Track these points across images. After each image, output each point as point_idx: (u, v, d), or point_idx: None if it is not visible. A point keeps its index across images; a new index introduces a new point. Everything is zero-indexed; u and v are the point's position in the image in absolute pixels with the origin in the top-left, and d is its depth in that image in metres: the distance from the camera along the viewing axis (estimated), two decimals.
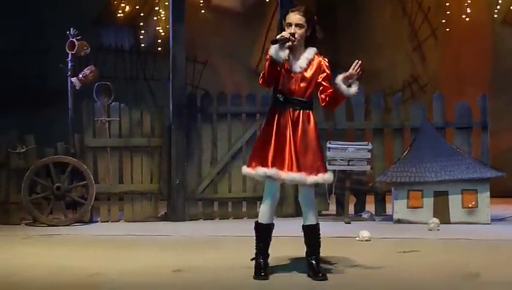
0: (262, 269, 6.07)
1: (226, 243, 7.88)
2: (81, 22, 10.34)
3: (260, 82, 6.04)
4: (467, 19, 12.17)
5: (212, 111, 9.76)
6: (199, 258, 6.99)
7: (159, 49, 12.22)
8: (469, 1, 12.10)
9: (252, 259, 6.17)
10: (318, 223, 6.14)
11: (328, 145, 9.41)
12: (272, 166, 5.94)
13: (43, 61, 11.80)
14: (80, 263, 6.80)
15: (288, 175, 5.95)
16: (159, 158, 9.63)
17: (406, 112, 9.93)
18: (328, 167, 9.25)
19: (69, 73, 9.31)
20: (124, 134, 9.60)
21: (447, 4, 12.24)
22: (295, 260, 6.59)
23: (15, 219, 9.27)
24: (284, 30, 5.96)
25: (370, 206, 9.81)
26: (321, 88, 6.08)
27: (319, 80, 6.06)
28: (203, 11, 12.31)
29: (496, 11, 12.10)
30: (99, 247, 7.67)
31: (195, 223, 9.49)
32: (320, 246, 6.14)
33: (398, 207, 9.10)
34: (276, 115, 6.01)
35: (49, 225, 9.04)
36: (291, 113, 5.99)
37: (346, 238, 8.01)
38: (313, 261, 6.07)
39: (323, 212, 9.81)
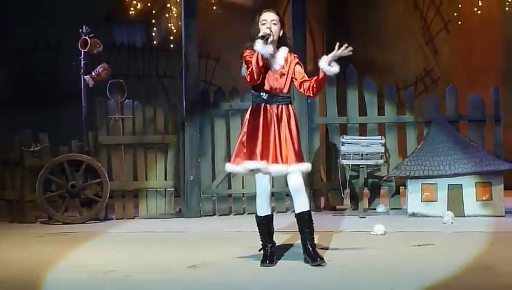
0: (268, 256, 6.38)
1: (240, 239, 7.89)
2: (93, 20, 10.38)
3: (248, 79, 6.36)
4: (479, 12, 12.14)
5: (225, 107, 9.78)
6: (214, 254, 7.01)
7: (171, 46, 12.24)
8: None
9: (260, 250, 6.49)
10: (309, 210, 6.40)
11: (342, 140, 9.43)
12: (261, 159, 6.27)
13: (55, 59, 11.85)
14: (95, 260, 6.83)
15: (274, 167, 6.27)
16: (173, 155, 9.66)
17: (419, 105, 9.91)
18: (342, 161, 9.33)
19: (82, 71, 9.35)
20: (137, 131, 9.63)
21: None
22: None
23: (30, 217, 9.32)
24: (259, 29, 6.32)
25: (384, 200, 9.80)
26: (301, 80, 6.42)
27: (297, 74, 6.42)
28: (214, 8, 12.32)
29: (507, 3, 12.05)
30: (114, 244, 7.70)
31: (210, 219, 9.51)
32: (313, 231, 6.40)
33: (412, 201, 9.09)
34: (261, 112, 6.35)
35: (64, 223, 9.08)
36: (275, 109, 6.36)
37: (361, 233, 8.01)
38: (309, 247, 6.31)
39: (338, 207, 9.82)
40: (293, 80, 6.44)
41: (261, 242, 6.50)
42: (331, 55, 6.27)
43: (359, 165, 9.40)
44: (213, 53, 12.47)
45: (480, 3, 12.06)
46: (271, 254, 6.41)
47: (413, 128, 9.83)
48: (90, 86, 9.35)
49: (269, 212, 6.47)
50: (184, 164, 9.59)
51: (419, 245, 7.18)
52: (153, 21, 12.47)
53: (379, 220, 8.65)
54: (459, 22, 12.31)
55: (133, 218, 9.51)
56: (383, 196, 9.87)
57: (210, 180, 9.71)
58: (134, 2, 12.38)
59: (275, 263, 6.37)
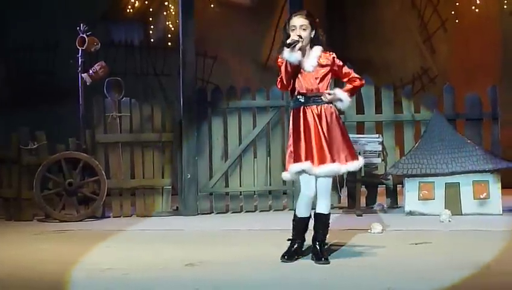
0: (291, 252, 6.39)
1: (237, 237, 7.90)
2: (91, 18, 10.37)
3: (279, 86, 6.45)
4: (476, 10, 12.14)
5: (223, 105, 9.78)
6: (211, 252, 7.01)
7: (169, 44, 12.23)
8: None
9: (289, 239, 6.48)
10: (329, 213, 6.46)
11: None
12: (306, 160, 6.26)
13: (53, 57, 11.83)
14: (92, 258, 6.84)
15: (320, 168, 6.26)
16: (170, 153, 9.66)
17: (416, 104, 9.92)
18: None
19: (80, 69, 9.34)
20: (135, 129, 9.63)
21: None
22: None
23: (27, 215, 9.32)
24: (288, 35, 6.33)
25: (381, 199, 9.81)
26: (344, 78, 6.52)
27: (338, 73, 6.50)
28: (212, 6, 12.32)
29: (505, 2, 12.06)
30: (111, 242, 7.70)
31: (207, 217, 9.51)
32: (327, 234, 6.47)
33: (409, 199, 9.10)
34: (301, 115, 6.36)
35: (61, 221, 9.08)
36: (315, 109, 6.36)
37: (358, 231, 8.01)
38: (317, 246, 6.37)
39: (335, 204, 9.82)
40: (337, 76, 6.52)
41: (292, 235, 6.47)
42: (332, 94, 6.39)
43: None
44: (210, 51, 12.47)
45: (477, 2, 12.07)
46: (295, 250, 6.41)
47: (410, 126, 9.83)
48: (88, 84, 9.35)
49: (308, 215, 6.45)
50: (181, 162, 9.59)
51: (416, 243, 7.18)
52: (151, 19, 12.47)
53: (376, 218, 8.67)
54: (457, 20, 12.32)
55: (130, 216, 9.51)
56: (380, 194, 9.87)
57: (207, 178, 9.71)
58: (132, 0, 12.37)
59: (295, 260, 6.37)
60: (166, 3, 12.41)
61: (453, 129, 9.41)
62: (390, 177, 9.63)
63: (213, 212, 9.70)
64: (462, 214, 8.93)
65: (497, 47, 12.12)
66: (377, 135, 9.57)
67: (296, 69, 6.33)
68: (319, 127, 6.31)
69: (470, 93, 9.80)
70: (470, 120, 9.69)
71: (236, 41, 12.40)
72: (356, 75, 6.53)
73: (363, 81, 6.63)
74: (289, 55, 6.24)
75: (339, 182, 9.49)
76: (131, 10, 12.39)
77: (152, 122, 9.66)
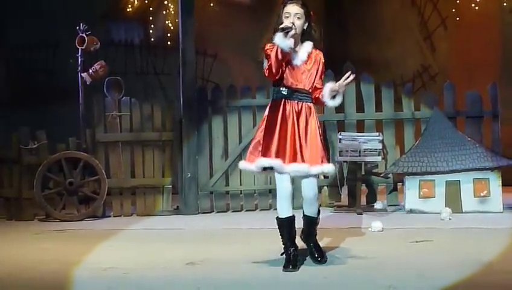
0: (292, 261, 6.07)
1: (238, 236, 7.89)
2: (91, 17, 10.36)
3: (266, 73, 6.04)
4: (476, 8, 12.14)
5: (223, 104, 9.77)
6: (212, 251, 7.01)
7: (169, 43, 12.22)
8: None
9: (282, 254, 6.17)
10: (318, 217, 6.27)
11: (339, 136, 9.43)
12: (276, 157, 5.97)
13: (52, 57, 11.83)
14: (93, 257, 6.83)
15: (291, 166, 5.98)
16: (171, 152, 9.66)
17: (416, 102, 9.91)
18: (339, 158, 9.33)
19: (79, 68, 9.34)
20: (135, 128, 9.63)
21: None
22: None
23: (28, 214, 9.32)
24: (282, 22, 6.00)
25: (382, 197, 9.81)
26: (315, 84, 6.18)
27: (315, 76, 6.14)
28: (211, 4, 12.32)
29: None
30: (112, 241, 7.70)
31: (208, 216, 9.51)
32: (316, 234, 6.32)
33: (410, 197, 9.10)
34: (280, 108, 6.05)
35: (62, 220, 9.08)
36: (295, 106, 6.06)
37: (358, 229, 8.01)
38: (312, 247, 6.26)
39: (336, 203, 9.82)
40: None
41: (283, 246, 6.14)
42: (337, 84, 6.08)
43: (356, 161, 9.39)
44: (210, 50, 12.46)
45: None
46: (294, 258, 6.07)
47: (410, 124, 9.83)
48: (88, 83, 9.34)
49: (290, 214, 6.10)
50: (181, 161, 9.58)
51: (417, 242, 7.18)
52: (150, 18, 12.46)
53: (377, 216, 8.66)
54: (457, 18, 12.32)
55: (130, 215, 9.51)
56: (380, 192, 9.87)
57: (207, 177, 9.71)
58: (132, 0, 12.37)
59: (298, 267, 6.07)
60: (165, 2, 12.42)
61: (454, 127, 9.41)
62: (390, 175, 9.62)
63: (213, 211, 9.70)
64: (462, 212, 8.93)
65: (497, 45, 12.12)
66: (377, 133, 9.57)
67: (286, 58, 5.95)
68: (296, 124, 6.00)
69: (470, 91, 9.80)
70: (470, 118, 9.69)
71: (236, 40, 12.39)
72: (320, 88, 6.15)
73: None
74: (281, 41, 5.84)
75: (339, 180, 9.49)
76: (130, 9, 12.38)
77: (152, 121, 9.66)
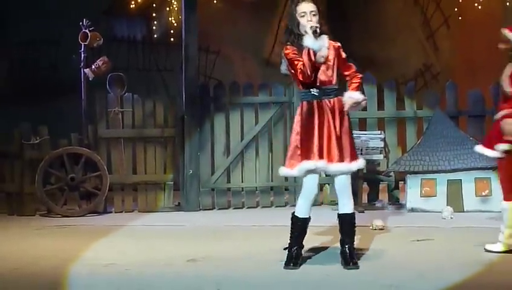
0: (294, 259, 6.06)
1: (239, 233, 7.90)
2: (94, 13, 10.37)
3: (301, 78, 5.96)
4: (479, 7, 12.13)
5: (225, 101, 9.77)
6: (213, 248, 7.01)
7: (172, 39, 12.22)
8: None
9: (285, 248, 6.15)
10: (354, 212, 6.17)
11: None
12: (320, 158, 5.93)
13: (55, 52, 11.83)
14: (94, 253, 6.84)
15: (336, 166, 5.96)
16: (173, 148, 9.66)
17: (418, 100, 9.91)
18: None
19: (82, 64, 9.34)
20: (137, 125, 9.63)
21: None
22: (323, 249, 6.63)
23: (29, 209, 9.32)
24: (298, 22, 5.97)
25: (383, 195, 9.80)
26: (346, 71, 6.15)
27: (341, 64, 6.10)
28: (215, 1, 12.32)
29: None
30: (113, 237, 7.70)
31: (209, 212, 9.51)
32: (354, 235, 6.16)
33: (411, 196, 9.09)
34: (313, 109, 5.99)
35: (63, 216, 9.08)
36: (328, 103, 6.01)
37: (359, 227, 7.97)
38: (347, 250, 6.06)
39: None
40: (340, 70, 6.11)
41: (289, 242, 6.12)
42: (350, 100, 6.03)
43: None
44: (213, 47, 12.46)
45: None
46: (296, 256, 6.07)
47: (412, 123, 9.83)
48: (90, 79, 9.34)
49: (308, 215, 6.10)
50: (183, 158, 9.58)
51: (418, 240, 7.18)
52: (154, 14, 12.46)
53: (378, 215, 8.66)
54: (460, 17, 12.31)
55: (132, 211, 9.52)
56: (382, 190, 9.87)
57: (209, 174, 9.70)
58: None
59: (300, 265, 6.06)
60: None
61: (456, 126, 9.40)
62: (392, 173, 9.62)
63: (215, 208, 9.70)
64: (464, 211, 8.92)
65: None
66: (379, 132, 9.56)
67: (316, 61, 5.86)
68: (332, 122, 5.95)
69: (473, 90, 9.79)
70: (472, 117, 9.68)
71: (239, 37, 12.39)
72: (356, 70, 6.17)
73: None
74: (313, 43, 5.77)
75: None
76: (134, 5, 12.38)
77: (154, 117, 9.66)
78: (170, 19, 12.44)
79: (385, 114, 9.86)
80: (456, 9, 12.31)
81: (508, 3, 12.13)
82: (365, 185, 9.76)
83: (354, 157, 6.05)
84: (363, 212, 9.16)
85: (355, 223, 6.16)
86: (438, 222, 8.30)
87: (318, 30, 5.82)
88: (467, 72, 12.02)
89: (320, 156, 5.93)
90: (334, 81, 6.06)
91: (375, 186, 9.84)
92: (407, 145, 9.66)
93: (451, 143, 9.11)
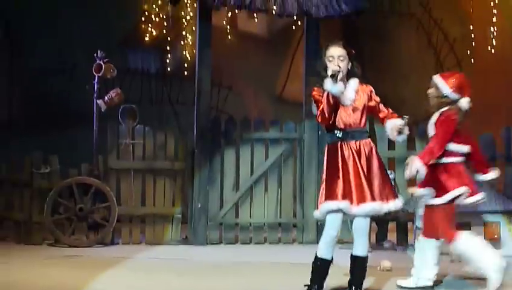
0: None
1: (247, 269, 7.86)
2: (109, 44, 10.44)
3: (319, 120, 6.11)
4: (492, 51, 12.15)
5: (236, 136, 9.79)
6: (220, 283, 6.99)
7: (185, 73, 12.28)
8: (495, 33, 12.09)
9: (306, 285, 6.17)
10: (367, 256, 6.18)
11: None
12: (343, 199, 5.97)
13: (69, 83, 11.88)
14: (100, 285, 6.82)
15: (359, 208, 5.98)
16: (182, 182, 9.66)
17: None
18: None
19: (95, 95, 9.38)
20: (147, 157, 9.64)
21: (473, 36, 12.24)
22: None
23: (37, 238, 9.32)
24: (326, 65, 6.08)
25: (392, 236, 9.75)
26: (380, 114, 6.28)
27: (373, 109, 6.24)
28: (229, 37, 12.39)
29: None
30: (120, 270, 7.68)
31: (216, 247, 9.48)
32: (364, 278, 6.18)
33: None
34: (338, 151, 6.06)
35: (70, 246, 9.08)
36: (353, 145, 6.07)
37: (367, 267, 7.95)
38: None
39: (345, 239, 9.77)
40: (374, 110, 6.24)
41: (310, 281, 6.16)
42: (396, 127, 6.20)
43: None
44: (226, 81, 12.50)
45: (494, 42, 12.08)
46: None
47: None
48: (103, 110, 9.38)
49: (330, 257, 6.14)
50: (192, 191, 9.58)
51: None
52: (168, 48, 12.54)
53: (386, 255, 8.61)
54: (472, 60, 12.33)
55: (139, 243, 9.50)
56: (390, 231, 9.82)
57: (218, 208, 9.70)
58: (150, 29, 12.45)
59: None
60: (183, 32, 12.49)
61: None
62: (401, 214, 9.57)
63: (222, 243, 9.68)
64: None
65: (511, 88, 12.10)
66: (390, 171, 9.53)
67: (337, 101, 6.03)
68: (358, 163, 6.00)
69: (484, 133, 9.78)
70: None
71: (251, 73, 12.44)
72: (391, 111, 6.30)
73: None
74: (331, 87, 5.93)
75: (349, 217, 9.45)
76: (148, 38, 12.46)
77: (165, 150, 9.68)
78: (184, 52, 12.51)
79: (395, 154, 9.85)
80: (468, 52, 12.34)
81: None
82: (373, 225, 9.71)
83: (387, 198, 6.06)
84: (370, 252, 9.09)
85: (366, 267, 6.18)
86: (445, 264, 8.24)
87: (339, 74, 5.96)
88: (478, 114, 11.96)
89: (344, 197, 5.96)
90: (362, 124, 6.14)
91: (383, 226, 9.80)
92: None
93: None
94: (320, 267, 6.13)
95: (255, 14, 11.59)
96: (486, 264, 6.60)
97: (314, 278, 6.15)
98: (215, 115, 10.61)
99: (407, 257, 8.83)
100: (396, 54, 12.53)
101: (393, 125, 6.18)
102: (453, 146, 6.79)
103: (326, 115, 6.01)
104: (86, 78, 9.58)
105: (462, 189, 6.67)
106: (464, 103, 7.07)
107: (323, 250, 6.12)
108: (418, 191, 6.74)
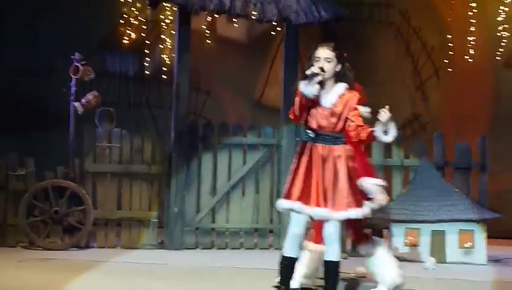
0: None
1: (222, 274, 7.86)
2: (87, 47, 10.39)
3: (291, 117, 6.13)
4: (470, 60, 12.23)
5: (214, 141, 9.78)
6: (195, 288, 6.98)
7: (164, 76, 12.25)
8: (472, 42, 12.17)
9: (275, 287, 6.20)
10: (338, 261, 6.18)
11: None
12: (297, 200, 6.00)
13: (46, 84, 11.82)
14: (75, 288, 6.80)
15: (314, 210, 6.00)
16: (159, 186, 9.64)
17: (406, 150, 9.95)
18: None
19: (72, 97, 9.34)
20: (124, 160, 9.61)
21: (451, 45, 12.31)
22: None
23: (11, 241, 9.26)
24: (311, 65, 6.04)
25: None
26: (348, 124, 6.11)
27: (348, 116, 6.10)
28: (208, 41, 12.37)
29: (498, 53, 12.16)
30: (95, 273, 7.65)
31: (192, 252, 9.47)
32: (337, 283, 6.19)
33: (395, 244, 9.09)
34: (307, 150, 6.07)
35: (45, 249, 9.02)
36: (320, 149, 6.05)
37: (341, 274, 7.97)
38: None
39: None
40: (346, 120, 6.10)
41: (278, 282, 6.19)
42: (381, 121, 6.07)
43: None
44: (204, 86, 12.48)
45: (471, 52, 12.15)
46: None
47: (399, 172, 9.85)
48: (80, 113, 9.33)
49: (294, 256, 6.16)
50: (169, 196, 9.56)
51: None
52: (147, 51, 12.50)
53: (361, 261, 8.63)
54: (450, 69, 12.40)
55: (114, 247, 9.46)
56: None
57: (194, 213, 9.68)
58: (129, 32, 12.41)
59: None
60: (162, 36, 12.46)
61: (441, 177, 9.44)
62: (377, 221, 9.61)
63: (198, 248, 9.66)
64: (446, 262, 8.92)
65: (488, 98, 12.17)
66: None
67: (309, 103, 5.99)
68: (321, 168, 6.00)
69: (460, 142, 9.85)
70: (458, 169, 9.72)
71: (230, 77, 12.42)
72: (363, 126, 6.07)
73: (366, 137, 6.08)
74: (305, 88, 5.91)
75: None
76: (128, 41, 12.42)
77: (142, 154, 9.66)
78: (163, 56, 12.47)
79: (372, 161, 9.87)
80: (446, 61, 12.40)
81: (498, 58, 12.24)
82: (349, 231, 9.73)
83: (343, 206, 6.01)
84: (346, 258, 9.14)
85: (337, 272, 6.18)
86: (420, 273, 8.28)
87: (317, 77, 5.91)
88: (455, 123, 12.07)
89: (299, 198, 5.99)
90: (337, 129, 6.07)
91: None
92: (393, 193, 9.68)
93: (436, 194, 9.14)
94: (286, 266, 6.14)
95: (234, 19, 11.57)
96: (383, 275, 6.73)
97: (281, 278, 6.17)
98: (193, 119, 10.58)
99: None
100: (374, 61, 12.55)
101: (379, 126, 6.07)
102: None
103: (297, 113, 6.02)
104: (63, 80, 9.53)
105: None
106: (364, 111, 6.78)
107: (287, 248, 6.13)
108: None
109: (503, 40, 12.14)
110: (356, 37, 12.44)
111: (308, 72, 5.95)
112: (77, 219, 9.24)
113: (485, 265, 8.94)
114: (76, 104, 9.31)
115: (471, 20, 12.24)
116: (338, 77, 6.12)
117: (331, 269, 6.16)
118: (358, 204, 6.12)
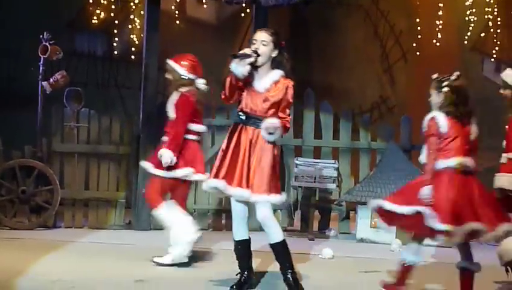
0: (242, 283, 6.15)
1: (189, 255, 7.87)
2: (55, 26, 10.31)
3: (222, 97, 6.13)
4: (437, 44, 12.32)
5: None
6: (162, 268, 7.00)
7: (132, 57, 12.21)
8: (440, 26, 12.26)
9: (237, 274, 6.22)
10: (283, 240, 6.13)
11: (296, 161, 9.50)
12: (222, 178, 6.02)
13: (14, 63, 11.72)
14: (41, 268, 6.78)
15: (236, 190, 6.01)
16: (127, 166, 9.64)
17: (373, 132, 10.03)
18: (295, 183, 9.40)
19: (40, 77, 9.28)
20: (92, 140, 9.60)
21: (419, 28, 12.40)
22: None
23: None
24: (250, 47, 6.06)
25: (334, 224, 9.87)
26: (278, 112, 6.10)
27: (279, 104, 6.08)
28: (177, 22, 12.34)
29: (466, 37, 12.27)
30: (62, 253, 7.64)
31: (160, 232, 9.44)
32: (291, 260, 6.16)
33: (361, 226, 9.18)
34: (237, 132, 6.08)
35: (12, 228, 9.00)
36: (250, 132, 6.05)
37: (308, 255, 8.05)
38: (290, 278, 6.10)
39: (288, 227, 9.86)
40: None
41: (239, 267, 6.22)
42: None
43: (311, 187, 9.47)
44: None
45: (439, 35, 12.25)
46: (245, 281, 6.16)
47: (366, 154, 9.94)
48: (48, 92, 9.29)
49: (246, 237, 6.19)
50: (137, 176, 9.56)
51: (366, 272, 7.24)
52: (115, 31, 12.44)
53: (328, 243, 8.72)
54: (417, 53, 12.49)
55: (81, 227, 9.45)
56: (333, 219, 9.94)
57: None
58: (98, 11, 12.33)
59: None
60: (132, 16, 12.40)
61: (408, 160, 9.53)
62: (343, 203, 9.71)
63: (165, 228, 9.65)
64: None
65: None
66: (333, 161, 9.65)
67: (239, 84, 5.97)
68: (248, 150, 5.99)
69: None
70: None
71: (199, 59, 12.38)
72: (286, 118, 6.07)
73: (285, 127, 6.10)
74: (235, 67, 5.90)
75: (292, 204, 9.57)
76: (96, 21, 12.35)
77: (110, 134, 9.64)
78: (132, 36, 12.42)
79: (340, 144, 9.96)
80: (414, 44, 12.49)
81: (465, 42, 12.35)
82: (317, 213, 9.82)
83: (263, 190, 5.98)
84: (313, 240, 9.22)
85: (288, 250, 6.17)
86: (386, 254, 8.38)
87: (248, 58, 5.89)
88: (422, 107, 12.13)
89: (223, 177, 6.02)
90: (267, 114, 6.03)
91: (326, 214, 9.91)
92: (360, 176, 9.77)
93: (403, 176, 9.20)
94: (239, 248, 6.19)
95: (204, 0, 11.55)
96: (178, 235, 7.09)
97: (239, 261, 6.21)
98: (162, 100, 10.55)
99: (348, 245, 8.96)
100: (343, 44, 12.62)
101: (268, 124, 6.02)
102: (191, 125, 7.27)
103: (227, 94, 6.02)
104: (32, 60, 9.46)
105: (186, 170, 7.14)
106: (200, 83, 7.47)
107: (235, 231, 6.19)
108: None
109: (471, 25, 12.25)
110: (325, 21, 12.51)
111: (240, 52, 5.96)
112: (44, 198, 9.22)
113: (450, 247, 9.02)
114: (45, 83, 9.26)
115: (439, 4, 12.33)
116: (274, 64, 6.09)
117: (278, 249, 6.14)
118: (277, 191, 6.08)
